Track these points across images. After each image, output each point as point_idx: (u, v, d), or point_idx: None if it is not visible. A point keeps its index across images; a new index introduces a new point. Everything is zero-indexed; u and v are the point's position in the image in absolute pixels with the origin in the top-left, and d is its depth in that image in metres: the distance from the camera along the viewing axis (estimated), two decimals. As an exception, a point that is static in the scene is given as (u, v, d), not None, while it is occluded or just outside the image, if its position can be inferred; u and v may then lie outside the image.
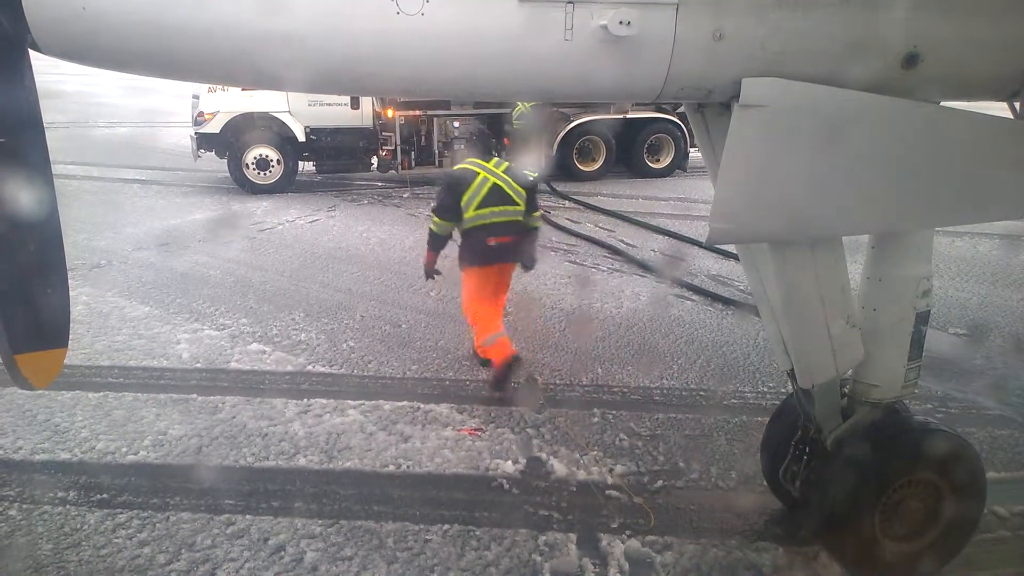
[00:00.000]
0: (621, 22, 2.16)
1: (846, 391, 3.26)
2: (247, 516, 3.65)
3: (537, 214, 5.29)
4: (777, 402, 3.92)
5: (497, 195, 4.95)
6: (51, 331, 2.35)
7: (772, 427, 3.66)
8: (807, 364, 3.05)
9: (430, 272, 5.30)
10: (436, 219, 5.05)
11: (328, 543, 3.45)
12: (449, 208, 4.98)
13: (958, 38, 2.42)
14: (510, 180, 5.02)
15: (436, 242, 5.13)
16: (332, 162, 12.59)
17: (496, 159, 5.20)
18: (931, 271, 3.03)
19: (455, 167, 5.56)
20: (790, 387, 3.33)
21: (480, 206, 4.92)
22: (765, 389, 5.21)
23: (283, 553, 3.37)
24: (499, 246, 5.01)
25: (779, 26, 2.30)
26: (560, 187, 12.35)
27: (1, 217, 2.14)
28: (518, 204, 5.03)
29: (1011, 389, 5.24)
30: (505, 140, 12.33)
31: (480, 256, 5.06)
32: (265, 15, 2.07)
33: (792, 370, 3.14)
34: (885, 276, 3.03)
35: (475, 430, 4.52)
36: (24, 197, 2.14)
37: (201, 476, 4.02)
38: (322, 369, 5.42)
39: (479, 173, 4.96)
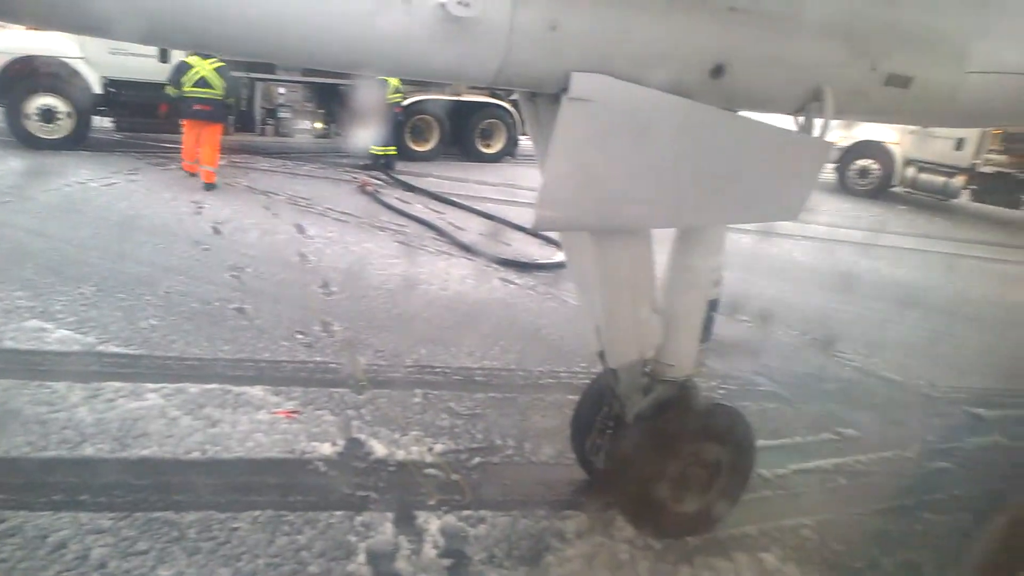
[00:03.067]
0: (460, 2, 2.15)
1: (647, 370, 3.57)
2: (20, 512, 3.22)
3: (232, 99, 10.17)
4: (588, 381, 4.18)
5: (201, 81, 9.46)
6: None
7: (582, 404, 3.89)
8: (615, 345, 3.29)
9: (168, 116, 10.62)
10: (169, 87, 9.69)
11: (119, 537, 3.15)
12: (175, 82, 9.59)
13: (756, 55, 2.69)
14: (214, 73, 9.48)
15: (169, 99, 9.98)
16: (134, 120, 11.33)
17: (214, 59, 9.38)
18: (722, 263, 3.40)
19: (184, 58, 9.78)
20: (600, 367, 3.57)
21: (191, 85, 9.47)
22: (578, 369, 5.53)
23: (64, 551, 3.03)
24: (199, 110, 9.58)
25: (608, 24, 2.40)
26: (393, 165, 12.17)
27: None
28: (215, 88, 9.55)
29: (779, 368, 6.02)
30: (398, 108, 12.58)
31: (188, 114, 9.67)
32: None
33: (602, 351, 3.37)
34: (684, 266, 3.34)
35: (291, 412, 4.34)
36: None
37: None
38: (116, 349, 4.90)
39: (193, 66, 9.47)
